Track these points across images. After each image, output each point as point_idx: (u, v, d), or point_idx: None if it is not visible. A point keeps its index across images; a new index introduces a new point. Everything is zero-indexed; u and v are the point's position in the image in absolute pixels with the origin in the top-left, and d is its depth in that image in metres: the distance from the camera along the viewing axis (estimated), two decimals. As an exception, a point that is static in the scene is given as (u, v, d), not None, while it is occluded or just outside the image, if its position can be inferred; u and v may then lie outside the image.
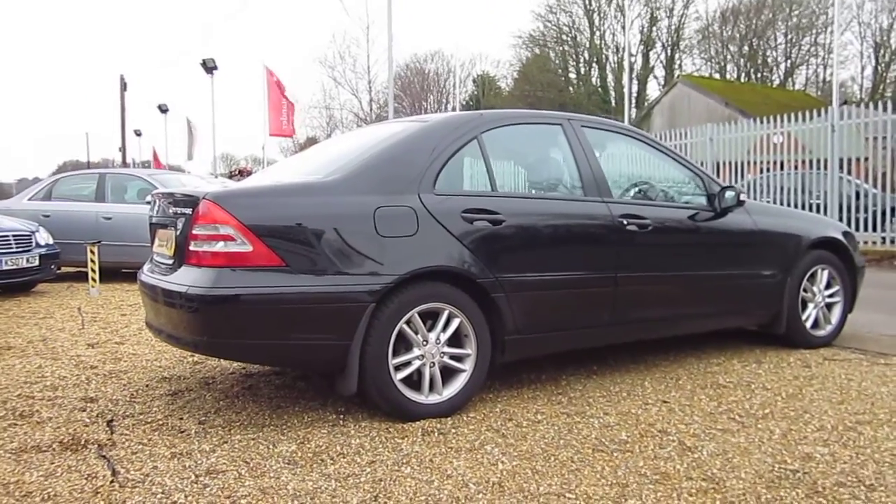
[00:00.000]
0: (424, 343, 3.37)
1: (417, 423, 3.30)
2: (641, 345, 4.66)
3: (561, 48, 45.61)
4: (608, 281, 3.89)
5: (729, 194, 4.32)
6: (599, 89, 40.85)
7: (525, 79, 46.41)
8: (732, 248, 4.48)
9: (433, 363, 3.40)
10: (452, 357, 3.47)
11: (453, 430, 3.22)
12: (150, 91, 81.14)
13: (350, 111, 44.34)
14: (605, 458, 2.87)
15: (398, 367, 3.32)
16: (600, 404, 3.61)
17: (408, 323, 3.33)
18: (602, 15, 40.65)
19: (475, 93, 49.82)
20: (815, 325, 4.86)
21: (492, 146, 3.74)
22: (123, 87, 33.77)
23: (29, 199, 10.19)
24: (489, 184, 3.69)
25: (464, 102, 50.49)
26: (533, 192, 4.31)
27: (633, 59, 44.00)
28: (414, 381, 3.38)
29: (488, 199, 3.61)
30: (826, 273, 4.89)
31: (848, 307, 5.00)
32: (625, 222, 3.93)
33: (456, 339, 3.49)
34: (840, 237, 4.97)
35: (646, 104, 38.60)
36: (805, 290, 4.79)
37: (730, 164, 13.67)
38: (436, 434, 3.18)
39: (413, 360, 3.36)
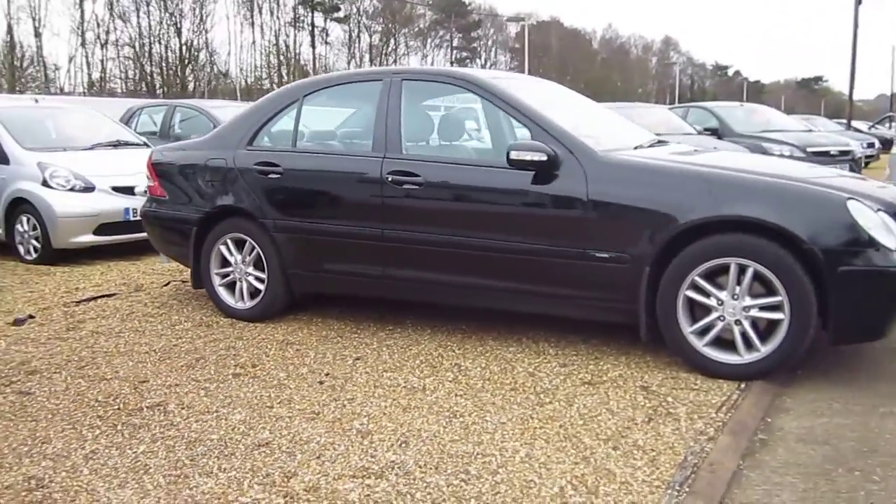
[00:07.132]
0: (235, 263, 4.52)
1: (228, 319, 4.55)
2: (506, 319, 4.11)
3: None
4: (374, 236, 3.97)
5: (517, 152, 3.44)
6: None
7: None
8: (541, 217, 3.57)
9: (240, 279, 4.52)
10: (257, 278, 4.48)
11: (216, 326, 4.39)
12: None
13: None
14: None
15: (222, 277, 4.60)
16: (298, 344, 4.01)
17: (226, 246, 4.54)
18: None
19: None
20: (723, 344, 3.22)
21: (309, 107, 4.33)
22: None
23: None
24: (291, 141, 4.33)
25: None
26: (318, 147, 4.42)
27: None
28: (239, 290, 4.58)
29: (273, 154, 4.34)
30: (751, 271, 3.12)
31: (806, 327, 3.05)
32: (389, 178, 3.86)
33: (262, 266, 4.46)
34: (774, 219, 3.01)
35: None
36: (702, 292, 3.22)
37: None
38: (205, 327, 4.41)
39: (229, 273, 4.57)
